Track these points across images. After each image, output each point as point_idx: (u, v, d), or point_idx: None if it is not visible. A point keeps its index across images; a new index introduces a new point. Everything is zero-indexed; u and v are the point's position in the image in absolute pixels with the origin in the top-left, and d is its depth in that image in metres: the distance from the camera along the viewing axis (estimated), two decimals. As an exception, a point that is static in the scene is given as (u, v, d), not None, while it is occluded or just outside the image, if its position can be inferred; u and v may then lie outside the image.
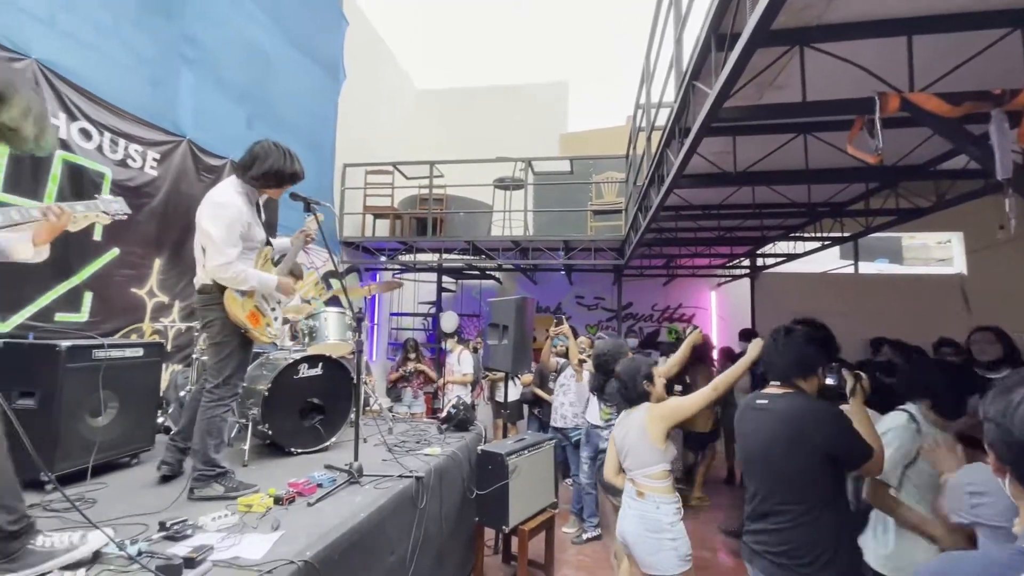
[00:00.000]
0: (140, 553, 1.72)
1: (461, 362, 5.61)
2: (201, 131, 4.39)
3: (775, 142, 2.76)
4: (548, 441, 3.89)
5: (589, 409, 4.26)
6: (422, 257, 7.59)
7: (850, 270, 7.93)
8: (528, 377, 5.60)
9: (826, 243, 5.97)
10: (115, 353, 2.85)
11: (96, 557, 1.74)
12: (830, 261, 8.16)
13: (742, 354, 2.43)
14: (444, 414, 4.10)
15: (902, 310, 6.66)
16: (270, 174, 2.53)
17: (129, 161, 3.74)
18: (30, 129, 1.70)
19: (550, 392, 5.63)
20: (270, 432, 3.19)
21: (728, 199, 3.99)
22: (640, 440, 2.45)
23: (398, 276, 8.25)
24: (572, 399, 4.61)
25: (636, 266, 7.46)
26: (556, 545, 3.85)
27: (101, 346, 2.80)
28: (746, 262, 7.59)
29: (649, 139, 3.81)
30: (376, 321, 8.34)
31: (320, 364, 3.51)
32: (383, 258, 7.54)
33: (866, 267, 8.41)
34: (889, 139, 1.83)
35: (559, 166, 7.03)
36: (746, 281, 8.01)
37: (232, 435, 3.50)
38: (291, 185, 2.68)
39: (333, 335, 3.85)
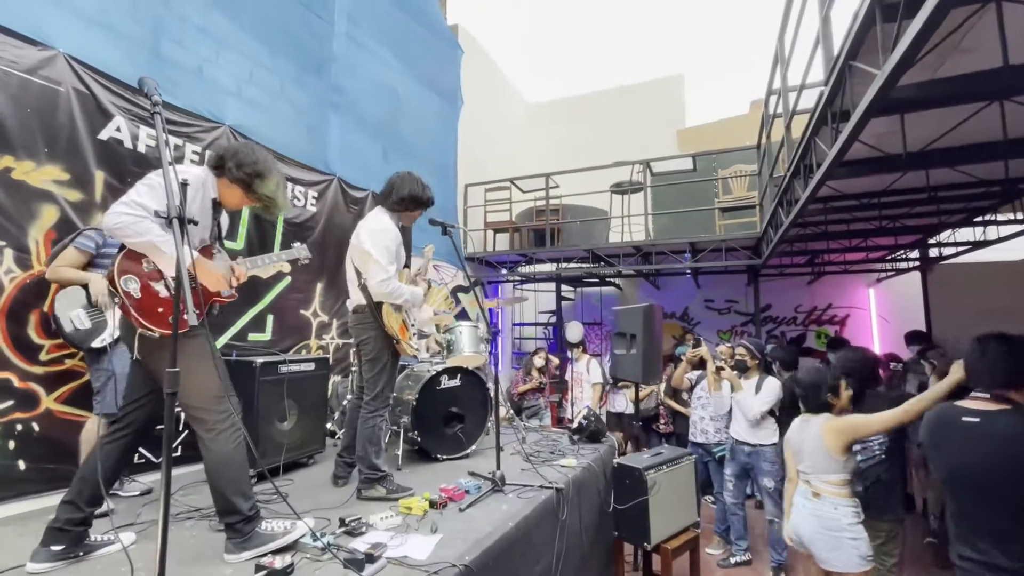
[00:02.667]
0: (329, 545, 1.96)
1: (590, 371, 5.57)
2: (347, 167, 4.95)
3: (959, 114, 2.33)
4: (687, 456, 3.69)
5: (733, 424, 3.96)
6: (541, 268, 7.72)
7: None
8: (643, 390, 5.37)
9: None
10: (294, 367, 3.32)
11: (295, 545, 2.03)
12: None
13: (912, 361, 2.16)
14: (575, 425, 4.10)
15: None
16: (408, 199, 2.85)
17: (295, 201, 4.35)
18: (282, 198, 2.19)
19: (684, 404, 5.35)
20: (419, 439, 3.46)
21: (892, 185, 3.46)
22: (817, 448, 2.45)
23: (519, 287, 8.47)
24: (712, 413, 4.32)
25: (774, 265, 6.80)
26: (701, 567, 3.62)
27: (284, 361, 3.28)
28: (913, 253, 6.51)
29: (788, 127, 3.47)
30: (499, 332, 8.63)
31: (458, 375, 3.73)
32: (504, 271, 7.81)
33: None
34: None
35: (679, 164, 6.70)
36: (913, 276, 6.87)
37: (386, 441, 3.86)
38: (424, 210, 2.99)
39: (468, 347, 4.08)
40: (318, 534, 2.00)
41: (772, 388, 3.74)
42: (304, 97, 4.58)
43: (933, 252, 6.34)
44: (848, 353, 2.90)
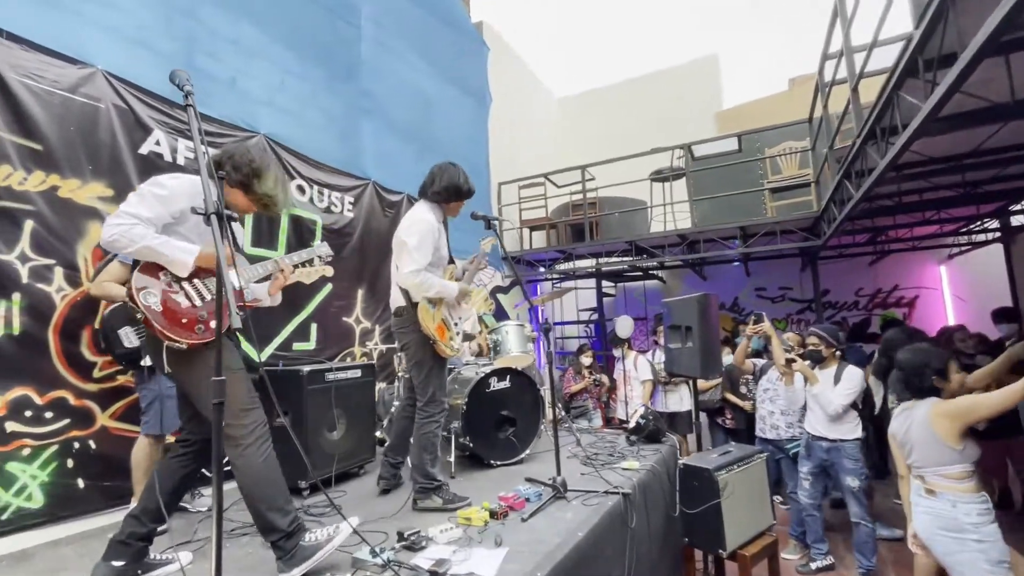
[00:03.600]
0: (390, 562, 1.82)
1: (638, 368, 5.31)
2: (381, 171, 4.89)
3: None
4: (759, 454, 3.41)
5: (809, 417, 3.64)
6: (580, 263, 7.49)
7: None
8: (706, 384, 5.07)
9: None
10: (340, 375, 3.24)
11: (355, 564, 1.90)
12: None
13: (1001, 340, 1.89)
14: (632, 424, 3.87)
15: None
16: (450, 189, 2.79)
17: (332, 207, 4.30)
18: (281, 195, 2.10)
19: (742, 398, 5.03)
20: (471, 444, 3.31)
21: (984, 143, 3.07)
22: (926, 438, 2.21)
23: (557, 285, 8.27)
24: (783, 406, 4.00)
25: (833, 246, 6.35)
26: (781, 574, 3.33)
27: (330, 369, 3.19)
28: (992, 224, 5.93)
29: (855, 89, 3.16)
30: (551, 328, 8.45)
31: (508, 377, 3.57)
32: (542, 269, 7.63)
33: None
34: None
35: (722, 146, 6.36)
36: (992, 249, 6.27)
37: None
38: (466, 199, 2.91)
39: (515, 347, 3.92)
40: (377, 549, 1.87)
41: (854, 378, 3.41)
42: (335, 103, 4.54)
43: (1017, 221, 5.74)
44: (891, 334, 2.67)
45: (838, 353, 3.62)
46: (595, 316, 8.57)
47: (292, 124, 4.06)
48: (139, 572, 1.87)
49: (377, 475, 3.00)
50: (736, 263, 7.57)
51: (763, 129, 6.17)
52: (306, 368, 3.04)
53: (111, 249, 1.78)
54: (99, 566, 1.83)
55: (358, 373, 3.38)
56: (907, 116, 2.29)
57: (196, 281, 1.88)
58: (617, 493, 2.64)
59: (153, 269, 1.81)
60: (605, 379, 5.80)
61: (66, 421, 2.51)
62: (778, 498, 4.66)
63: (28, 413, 2.40)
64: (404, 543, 2.05)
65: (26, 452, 2.38)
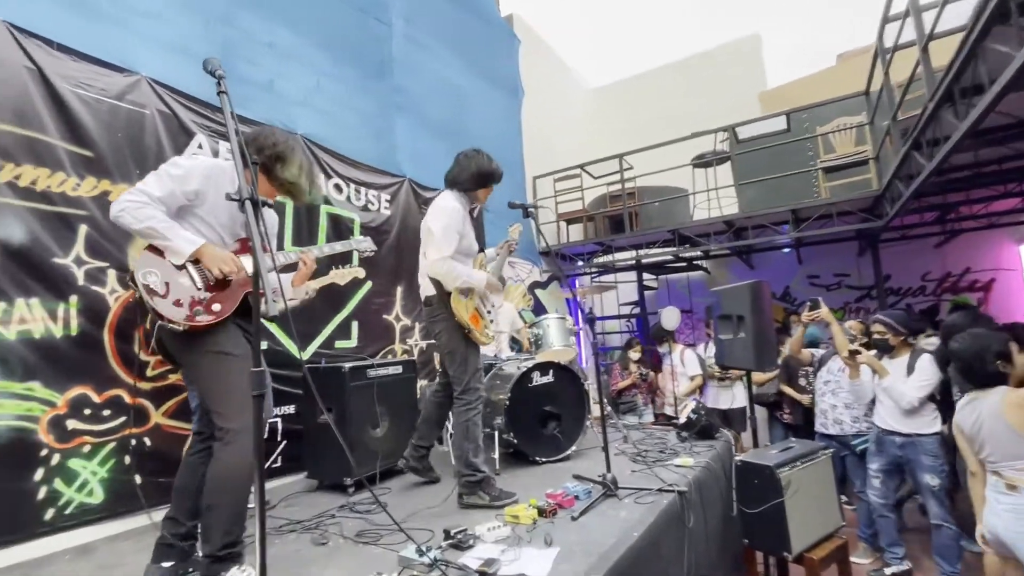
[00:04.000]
0: (437, 561, 1.76)
1: (686, 362, 5.09)
2: (416, 168, 4.88)
3: None
4: (823, 450, 3.17)
5: (879, 410, 3.36)
6: (620, 255, 7.28)
7: None
8: (762, 376, 4.79)
9: None
10: (382, 371, 3.22)
11: (401, 562, 1.85)
12: None
13: None
14: (683, 420, 3.69)
15: None
16: (477, 175, 2.74)
17: (369, 205, 4.31)
18: (305, 182, 2.03)
19: (801, 390, 4.73)
20: (515, 441, 3.23)
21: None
22: (999, 430, 2.06)
23: (596, 279, 8.09)
24: (846, 399, 3.72)
25: (895, 227, 5.89)
26: (853, 580, 3.09)
27: (371, 365, 3.18)
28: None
29: (925, 49, 2.88)
30: (580, 327, 8.28)
31: (550, 371, 3.47)
32: (580, 263, 7.46)
33: None
34: None
35: (769, 126, 6.02)
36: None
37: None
38: (494, 185, 2.87)
39: (557, 341, 3.81)
40: (423, 548, 1.81)
41: (929, 368, 3.12)
42: (369, 102, 4.55)
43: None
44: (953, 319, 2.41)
45: (910, 340, 3.32)
46: (637, 310, 8.33)
47: (328, 124, 4.09)
48: (189, 570, 1.87)
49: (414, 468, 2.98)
50: (787, 250, 7.17)
51: (814, 105, 5.79)
52: (348, 364, 3.04)
53: (117, 223, 1.73)
54: (149, 568, 1.84)
55: (399, 369, 3.36)
56: (995, 71, 2.04)
57: (202, 265, 1.82)
58: (672, 491, 2.50)
59: (160, 250, 1.78)
60: (653, 374, 5.61)
61: (122, 419, 2.58)
62: (843, 498, 4.36)
63: (87, 411, 2.48)
64: (451, 541, 1.98)
65: (86, 449, 2.45)
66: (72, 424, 2.42)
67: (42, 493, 2.30)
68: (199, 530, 1.88)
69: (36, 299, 2.35)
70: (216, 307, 1.78)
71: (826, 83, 7.67)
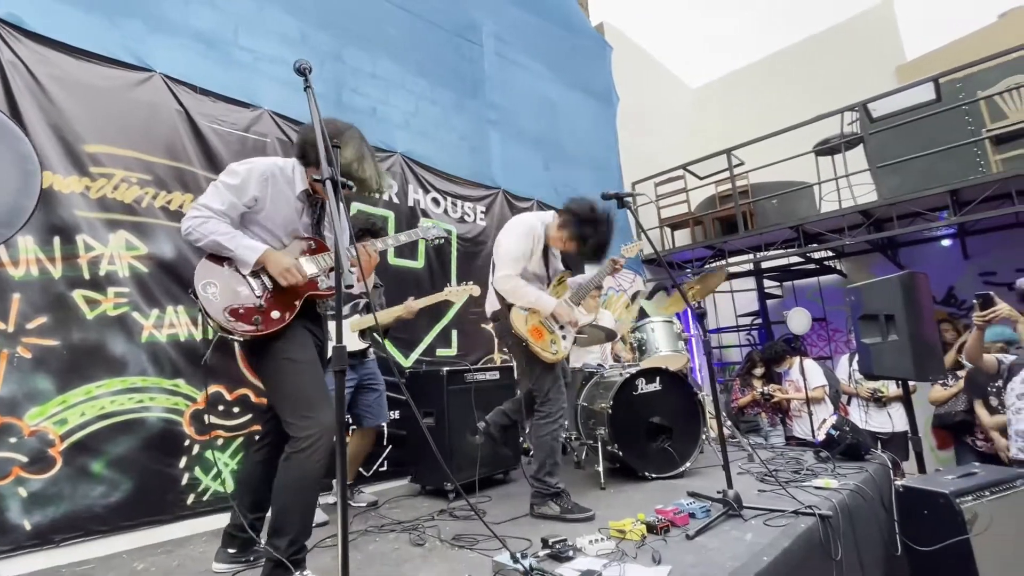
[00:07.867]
0: (532, 569, 1.61)
1: (808, 374, 4.40)
2: (510, 180, 4.92)
3: None
4: (1022, 478, 2.49)
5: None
6: (734, 260, 6.63)
7: None
8: (940, 392, 3.93)
9: None
10: (480, 376, 3.19)
11: (496, 568, 1.73)
12: None
13: None
14: (823, 437, 3.15)
15: None
16: (596, 246, 2.55)
17: (465, 217, 4.41)
18: (367, 171, 1.93)
19: (992, 411, 3.75)
20: (620, 453, 2.98)
21: None
22: None
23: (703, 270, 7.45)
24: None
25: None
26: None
27: (468, 370, 3.16)
28: None
29: None
30: (692, 334, 7.67)
31: (657, 378, 3.18)
32: (688, 270, 6.95)
33: None
34: None
35: (911, 99, 5.15)
36: None
37: (583, 458, 3.47)
38: (601, 256, 2.64)
39: (664, 346, 3.50)
40: (519, 555, 1.67)
41: None
42: (464, 120, 4.71)
43: None
44: None
45: None
46: (758, 321, 7.52)
47: (426, 142, 4.28)
48: (250, 559, 1.97)
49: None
50: (947, 241, 6.02)
51: (971, 65, 4.85)
52: (446, 368, 3.05)
53: (187, 241, 1.79)
54: (219, 552, 1.97)
55: (497, 375, 3.31)
56: None
57: (264, 272, 1.80)
58: (812, 514, 2.09)
59: (218, 257, 1.79)
60: (778, 392, 4.95)
61: (249, 416, 2.82)
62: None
63: (221, 407, 2.75)
64: (549, 551, 1.82)
65: (220, 442, 2.71)
66: (209, 419, 2.69)
67: (185, 479, 2.57)
68: (260, 523, 1.97)
69: (182, 306, 2.68)
70: (275, 314, 1.76)
71: (985, 43, 6.49)
